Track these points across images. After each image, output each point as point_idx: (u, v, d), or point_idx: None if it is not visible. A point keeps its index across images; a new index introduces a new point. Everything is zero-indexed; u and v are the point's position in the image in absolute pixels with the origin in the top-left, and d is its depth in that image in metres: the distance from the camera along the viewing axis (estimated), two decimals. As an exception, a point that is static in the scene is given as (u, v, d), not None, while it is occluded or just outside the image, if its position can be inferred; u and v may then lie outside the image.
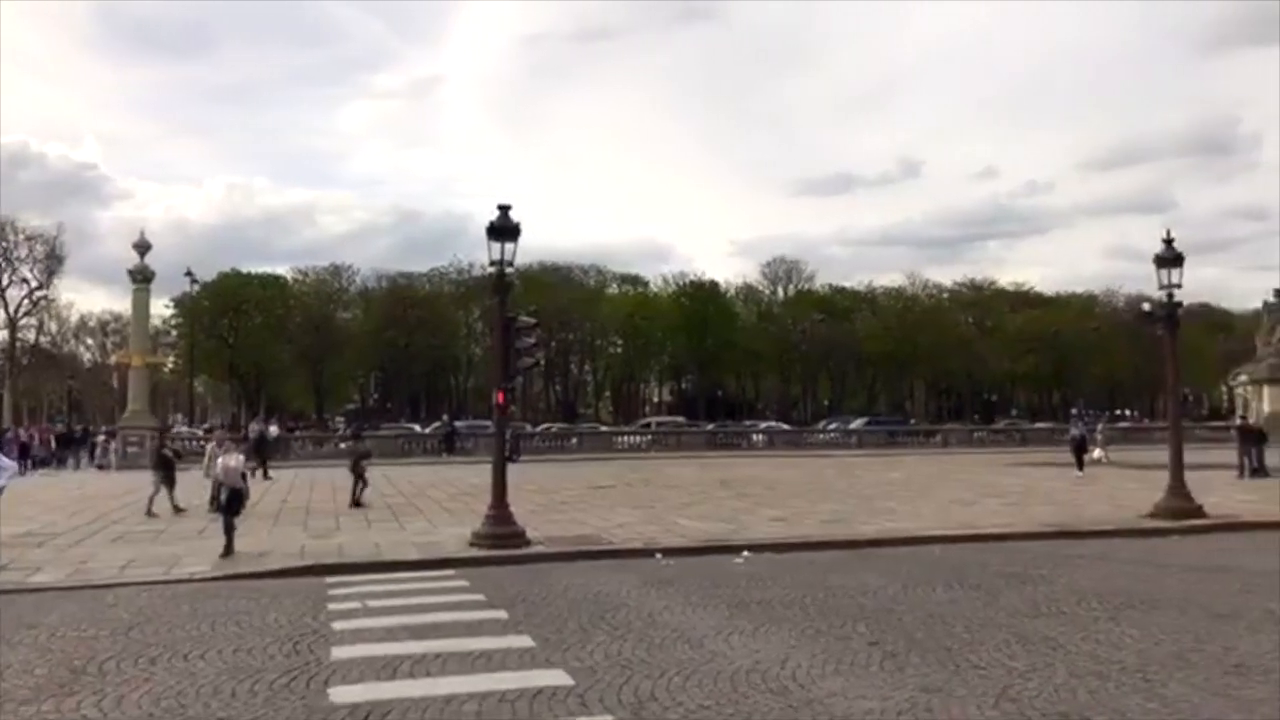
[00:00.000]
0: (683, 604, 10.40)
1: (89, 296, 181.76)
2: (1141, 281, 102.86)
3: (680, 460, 40.73)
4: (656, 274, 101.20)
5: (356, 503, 20.91)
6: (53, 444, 46.05)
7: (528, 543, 14.80)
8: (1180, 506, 17.64)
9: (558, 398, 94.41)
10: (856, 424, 60.63)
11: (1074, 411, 72.13)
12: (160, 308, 76.16)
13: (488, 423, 41.25)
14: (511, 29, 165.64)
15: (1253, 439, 28.54)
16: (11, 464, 16.91)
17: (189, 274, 59.00)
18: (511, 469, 18.46)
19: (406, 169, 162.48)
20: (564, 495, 23.59)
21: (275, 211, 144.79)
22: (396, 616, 9.83)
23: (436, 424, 56.13)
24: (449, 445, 44.53)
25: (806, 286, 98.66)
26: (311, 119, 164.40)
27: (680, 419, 71.89)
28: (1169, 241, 18.19)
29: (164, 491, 19.59)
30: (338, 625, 9.52)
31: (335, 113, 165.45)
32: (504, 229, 15.15)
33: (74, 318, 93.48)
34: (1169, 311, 18.49)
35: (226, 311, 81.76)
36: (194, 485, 20.60)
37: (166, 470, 20.11)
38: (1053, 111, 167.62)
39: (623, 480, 28.50)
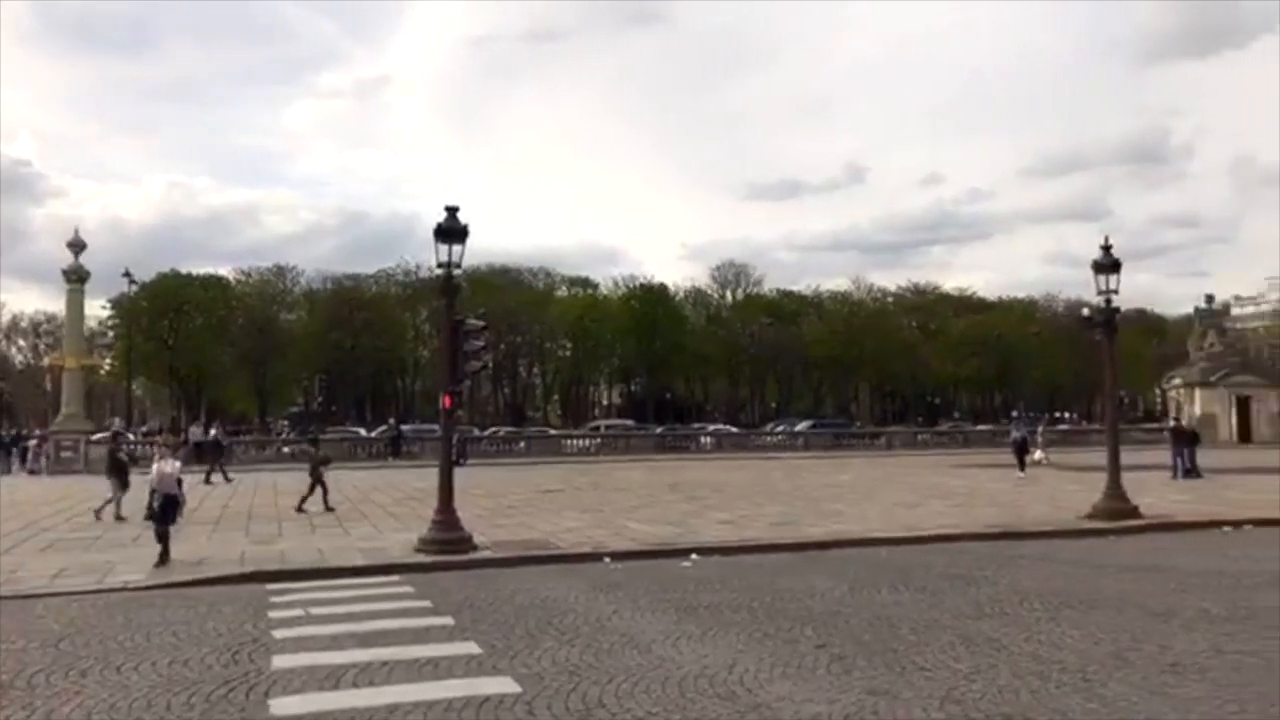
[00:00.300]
0: (631, 608, 10.37)
1: (21, 296, 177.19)
2: (1080, 287, 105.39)
3: (629, 463, 40.73)
4: (606, 277, 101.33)
5: (302, 508, 20.49)
6: (-18, 448, 44.54)
7: (475, 548, 14.66)
8: (1117, 507, 18.04)
9: (506, 401, 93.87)
10: (802, 426, 61.14)
11: (1015, 414, 73.47)
12: (96, 308, 74.39)
13: (435, 426, 40.62)
14: (460, 30, 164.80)
15: (1185, 440, 29.33)
16: None
17: (127, 274, 57.62)
18: (459, 473, 18.29)
19: (353, 169, 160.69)
20: (512, 499, 23.43)
21: (218, 211, 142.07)
22: (340, 624, 9.66)
23: (383, 427, 55.43)
24: (395, 449, 44.04)
25: (755, 290, 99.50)
26: (257, 118, 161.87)
27: (629, 422, 71.93)
28: (1107, 248, 18.59)
29: (119, 496, 19.23)
30: (279, 634, 9.31)
31: (281, 112, 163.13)
32: (452, 231, 15.01)
33: (5, 318, 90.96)
34: (1107, 317, 18.91)
35: (166, 312, 79.90)
36: (136, 492, 20.06)
37: (121, 475, 19.68)
38: (995, 120, 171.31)
39: (571, 484, 28.40)
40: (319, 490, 20.92)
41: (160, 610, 10.59)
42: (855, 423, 74.32)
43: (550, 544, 15.48)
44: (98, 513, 19.38)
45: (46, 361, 79.66)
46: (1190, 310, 73.81)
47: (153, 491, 14.05)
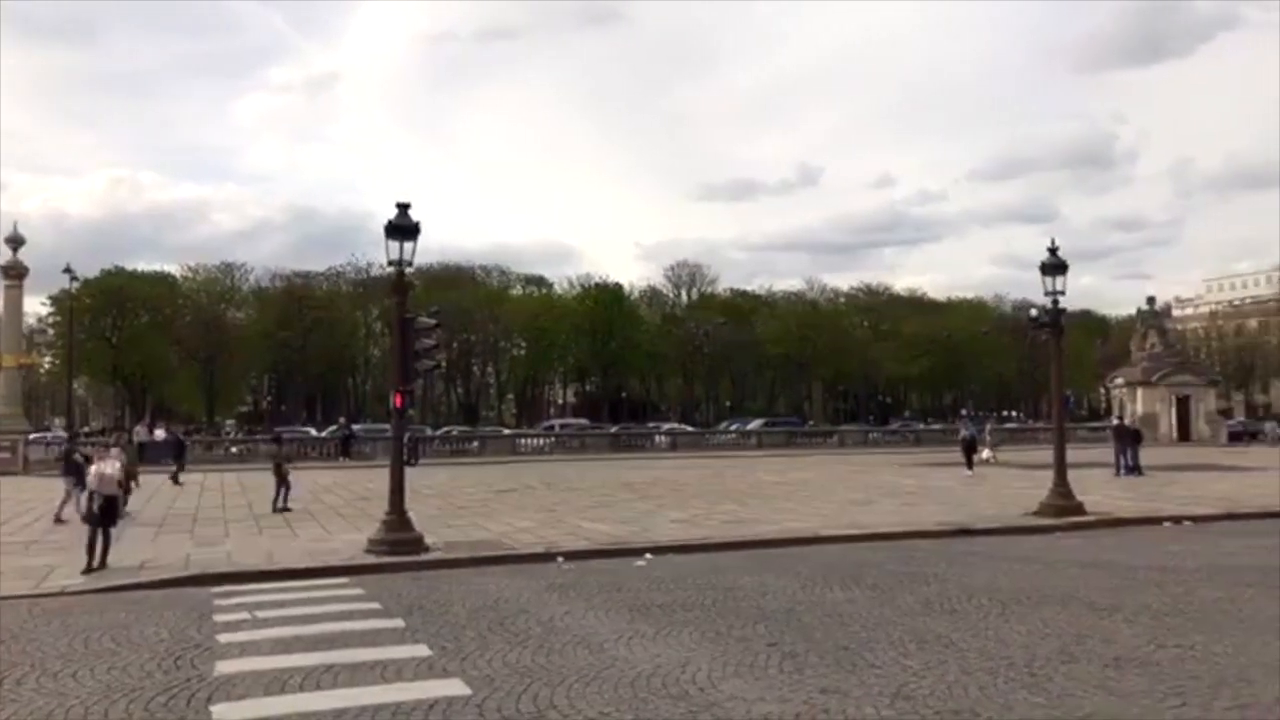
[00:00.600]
0: (584, 608, 10.32)
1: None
2: (1027, 288, 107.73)
3: (584, 462, 40.61)
4: (561, 276, 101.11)
5: (283, 508, 20.21)
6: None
7: (426, 549, 14.51)
8: (1063, 505, 18.38)
9: (460, 400, 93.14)
10: (755, 425, 61.47)
11: (963, 413, 74.67)
12: (36, 305, 72.50)
13: (386, 426, 40.29)
14: (414, 27, 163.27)
15: (1128, 439, 30.00)
16: None
17: (68, 270, 55.99)
18: (411, 473, 18.10)
19: (304, 166, 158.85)
20: (464, 499, 23.24)
21: (164, 207, 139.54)
22: (287, 627, 9.48)
23: (333, 427, 54.64)
24: (346, 449, 43.46)
25: (709, 290, 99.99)
26: (204, 113, 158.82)
27: (584, 421, 71.81)
28: (1054, 250, 18.93)
29: (76, 498, 18.75)
30: (223, 638, 9.11)
31: (229, 107, 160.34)
32: (403, 227, 14.84)
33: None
34: (1054, 318, 19.25)
35: (110, 310, 77.99)
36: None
37: (78, 476, 19.17)
38: (946, 123, 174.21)
39: (525, 483, 28.23)
40: (289, 487, 20.82)
41: (100, 615, 10.31)
42: (808, 422, 74.88)
43: (503, 544, 15.37)
44: (58, 518, 18.88)
45: (-17, 360, 77.47)
46: (1133, 311, 75.64)
47: (91, 494, 13.61)
